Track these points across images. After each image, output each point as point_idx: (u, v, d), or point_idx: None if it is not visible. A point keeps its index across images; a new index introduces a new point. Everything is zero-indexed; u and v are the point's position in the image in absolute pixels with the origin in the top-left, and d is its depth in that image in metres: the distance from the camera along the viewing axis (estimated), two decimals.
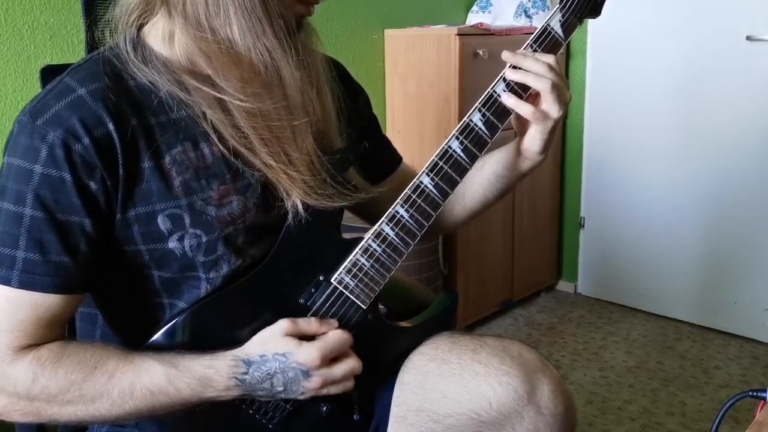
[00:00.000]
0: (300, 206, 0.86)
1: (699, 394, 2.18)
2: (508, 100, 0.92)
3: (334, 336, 0.86)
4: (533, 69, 0.91)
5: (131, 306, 0.90)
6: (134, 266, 0.86)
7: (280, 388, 0.84)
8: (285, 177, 0.85)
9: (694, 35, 2.48)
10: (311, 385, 0.84)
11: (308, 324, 0.86)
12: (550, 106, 0.92)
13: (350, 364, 0.87)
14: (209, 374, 0.81)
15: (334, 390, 0.87)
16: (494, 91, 0.92)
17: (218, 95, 0.83)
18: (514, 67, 0.92)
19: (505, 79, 0.92)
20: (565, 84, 0.93)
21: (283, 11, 0.83)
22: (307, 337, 0.86)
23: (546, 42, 0.94)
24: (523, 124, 0.97)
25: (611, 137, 2.76)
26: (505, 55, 0.92)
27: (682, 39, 2.51)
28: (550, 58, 0.92)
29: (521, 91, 0.93)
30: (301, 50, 0.86)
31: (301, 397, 0.86)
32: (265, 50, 0.82)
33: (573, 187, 2.93)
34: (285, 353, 0.83)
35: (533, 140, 0.96)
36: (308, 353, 0.83)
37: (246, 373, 0.82)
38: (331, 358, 0.85)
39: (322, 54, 0.96)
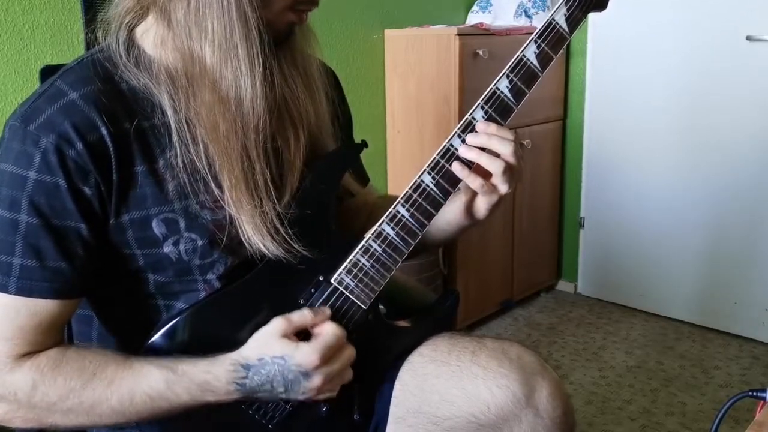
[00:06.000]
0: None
1: (699, 394, 2.18)
2: (460, 171, 0.89)
3: (329, 333, 0.85)
4: (491, 147, 0.88)
5: (126, 308, 0.90)
6: (129, 270, 0.85)
7: (281, 389, 0.84)
8: (234, 207, 0.84)
9: (694, 35, 2.47)
10: (313, 384, 0.84)
11: (302, 318, 0.85)
12: (499, 184, 0.90)
13: (346, 354, 0.87)
14: (208, 379, 0.81)
15: (335, 384, 0.87)
16: (497, 88, 0.90)
17: (185, 114, 0.82)
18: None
19: (508, 75, 0.91)
20: (519, 165, 0.90)
21: (265, 22, 0.81)
22: (303, 331, 0.86)
23: (550, 37, 0.91)
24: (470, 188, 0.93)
25: (611, 137, 2.76)
26: (470, 139, 0.89)
27: (682, 39, 2.50)
28: (509, 135, 0.88)
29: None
30: (284, 61, 0.86)
31: (302, 397, 0.85)
32: (229, 70, 0.81)
33: (573, 187, 2.93)
34: (283, 356, 0.82)
35: (478, 207, 0.94)
36: (307, 355, 0.82)
37: (245, 378, 0.82)
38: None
39: (317, 59, 0.95)
